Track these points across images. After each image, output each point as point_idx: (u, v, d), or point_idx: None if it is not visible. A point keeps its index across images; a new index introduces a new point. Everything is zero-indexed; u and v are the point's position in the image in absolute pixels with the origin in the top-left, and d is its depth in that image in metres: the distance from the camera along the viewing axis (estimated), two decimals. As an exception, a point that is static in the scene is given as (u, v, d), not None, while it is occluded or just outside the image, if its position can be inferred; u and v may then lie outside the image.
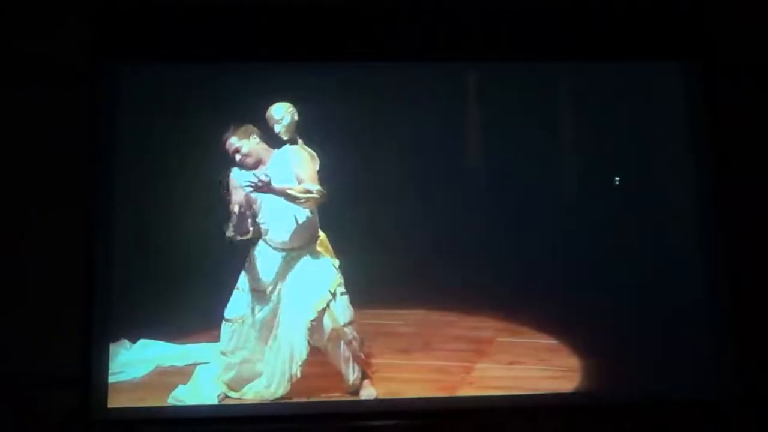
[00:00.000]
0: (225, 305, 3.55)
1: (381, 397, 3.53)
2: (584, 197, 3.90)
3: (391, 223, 3.68)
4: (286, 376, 3.47)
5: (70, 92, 3.57)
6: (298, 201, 3.45)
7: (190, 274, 3.64)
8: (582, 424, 3.45)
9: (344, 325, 3.48)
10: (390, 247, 3.70)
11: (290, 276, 3.52)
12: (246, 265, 3.54)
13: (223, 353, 3.53)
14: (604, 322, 3.71)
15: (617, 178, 3.86)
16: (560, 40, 3.75)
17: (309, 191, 3.46)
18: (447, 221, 3.81)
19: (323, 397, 3.51)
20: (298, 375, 3.46)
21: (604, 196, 3.90)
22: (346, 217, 3.59)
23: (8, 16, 3.60)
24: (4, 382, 3.38)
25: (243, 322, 3.51)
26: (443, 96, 3.92)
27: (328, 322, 3.46)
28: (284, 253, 3.52)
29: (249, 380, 3.52)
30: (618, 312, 3.71)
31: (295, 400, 3.49)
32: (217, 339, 3.56)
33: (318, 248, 3.55)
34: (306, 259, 3.53)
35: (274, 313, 3.51)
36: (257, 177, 3.37)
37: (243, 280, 3.54)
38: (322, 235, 3.58)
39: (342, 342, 3.48)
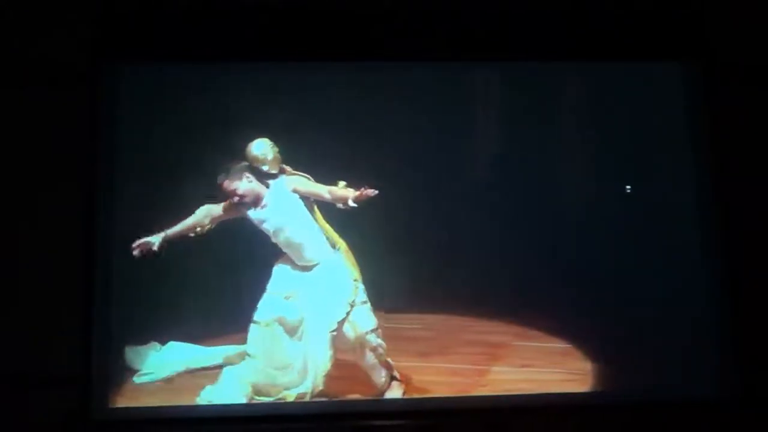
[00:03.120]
0: (250, 307, 3.55)
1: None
2: (587, 200, 3.91)
3: (409, 230, 3.69)
4: (310, 388, 3.50)
5: (70, 92, 3.57)
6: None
7: (205, 276, 3.66)
8: (584, 424, 3.45)
9: (367, 333, 3.53)
10: (409, 253, 3.72)
11: (311, 289, 3.56)
12: (273, 271, 3.58)
13: (249, 355, 3.54)
14: (606, 324, 3.73)
15: (628, 187, 3.87)
16: (560, 41, 3.75)
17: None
18: (462, 228, 3.84)
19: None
20: (321, 386, 3.50)
21: (604, 197, 3.90)
22: (363, 223, 3.56)
23: (8, 16, 3.60)
24: (4, 382, 3.38)
25: (268, 325, 3.52)
26: (448, 96, 3.92)
27: (350, 332, 3.52)
28: (305, 270, 3.57)
29: (275, 388, 3.52)
30: (619, 313, 3.72)
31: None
32: (245, 341, 3.58)
33: (339, 259, 3.59)
34: (325, 273, 3.57)
35: (300, 320, 3.55)
36: None
37: (272, 284, 3.57)
38: (343, 244, 3.61)
39: (367, 349, 3.53)
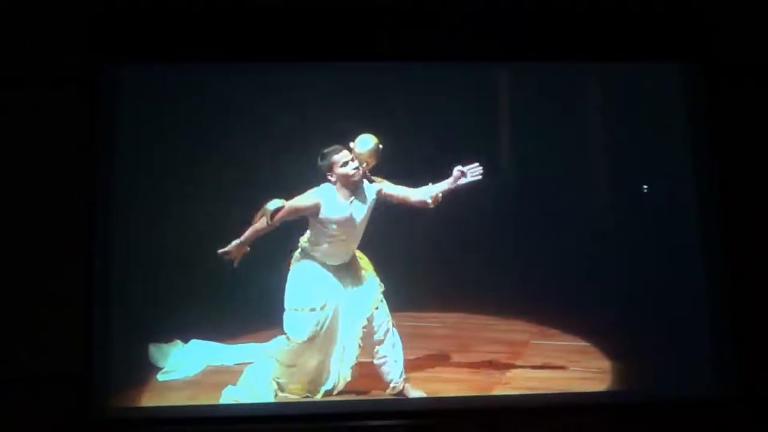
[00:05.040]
0: (269, 306, 3.55)
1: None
2: (590, 200, 3.94)
3: (428, 230, 3.70)
4: (338, 382, 3.54)
5: (70, 92, 3.57)
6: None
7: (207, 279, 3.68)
8: (581, 424, 3.45)
9: (389, 322, 3.55)
10: (428, 253, 3.74)
11: (346, 287, 3.55)
12: (295, 283, 3.52)
13: (286, 365, 3.54)
14: (608, 324, 3.74)
15: (645, 187, 3.89)
16: (561, 41, 3.75)
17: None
18: (481, 228, 3.87)
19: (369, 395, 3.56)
20: (349, 378, 3.53)
21: (605, 197, 3.92)
22: (383, 224, 3.57)
23: (8, 16, 3.60)
24: (4, 382, 3.38)
25: (308, 341, 3.50)
26: (449, 97, 3.93)
27: (384, 315, 3.53)
28: (336, 270, 3.55)
29: (304, 389, 3.55)
30: (622, 314, 3.74)
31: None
32: (264, 339, 3.63)
33: (358, 258, 3.62)
34: (355, 270, 3.58)
35: (334, 325, 3.54)
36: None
37: (299, 300, 3.50)
38: None
39: (396, 332, 3.53)
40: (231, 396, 3.51)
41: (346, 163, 3.46)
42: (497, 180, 3.90)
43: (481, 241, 3.91)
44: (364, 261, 3.61)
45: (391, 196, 3.55)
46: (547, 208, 3.90)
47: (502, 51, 3.76)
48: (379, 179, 3.57)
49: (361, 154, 3.50)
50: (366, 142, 3.52)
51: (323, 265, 3.53)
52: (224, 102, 3.86)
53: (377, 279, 3.59)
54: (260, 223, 3.46)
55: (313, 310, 3.49)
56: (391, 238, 3.62)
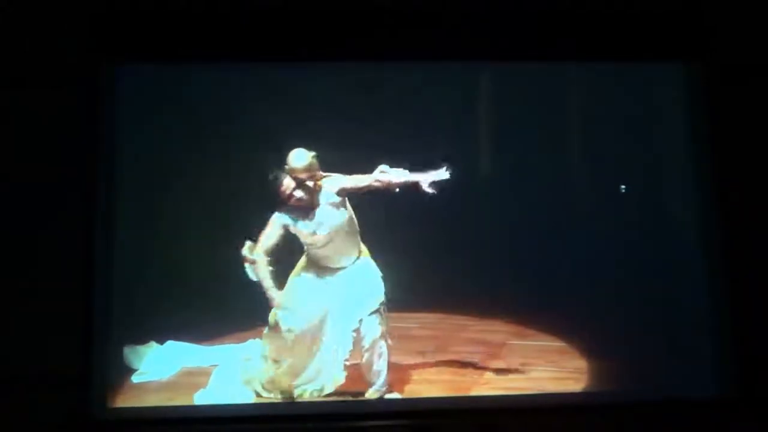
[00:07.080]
0: (250, 307, 3.55)
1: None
2: (588, 200, 3.92)
3: (406, 229, 3.69)
4: (335, 383, 3.51)
5: (70, 92, 3.57)
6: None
7: (200, 277, 3.68)
8: (581, 424, 3.46)
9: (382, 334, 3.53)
10: (406, 253, 3.71)
11: (343, 289, 3.54)
12: (291, 286, 3.53)
13: (271, 359, 3.54)
14: (607, 324, 3.74)
15: (623, 187, 3.88)
16: (561, 41, 3.75)
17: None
18: (460, 228, 3.86)
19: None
20: (341, 380, 3.51)
21: (606, 197, 3.91)
22: (362, 223, 3.57)
23: (8, 16, 3.60)
24: (4, 382, 3.38)
25: (295, 336, 3.50)
26: (448, 96, 3.93)
27: (374, 325, 3.50)
28: (332, 273, 3.55)
29: (291, 386, 3.54)
30: (621, 314, 3.73)
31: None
32: (241, 340, 3.63)
33: (368, 261, 3.60)
34: (357, 271, 3.57)
35: (321, 323, 3.53)
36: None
37: (296, 298, 3.51)
38: (364, 248, 3.62)
39: (384, 344, 3.51)
40: (203, 400, 3.50)
41: (291, 194, 3.41)
42: (489, 180, 3.90)
43: (459, 241, 3.90)
44: (373, 273, 3.58)
45: (356, 188, 3.49)
46: (533, 207, 3.88)
47: (502, 51, 3.76)
48: (332, 176, 3.50)
49: (297, 170, 3.43)
50: (301, 157, 3.45)
51: (323, 268, 3.53)
52: (224, 102, 3.86)
53: (380, 288, 3.54)
54: (259, 271, 3.44)
55: (302, 309, 3.49)
56: (367, 238, 3.61)
